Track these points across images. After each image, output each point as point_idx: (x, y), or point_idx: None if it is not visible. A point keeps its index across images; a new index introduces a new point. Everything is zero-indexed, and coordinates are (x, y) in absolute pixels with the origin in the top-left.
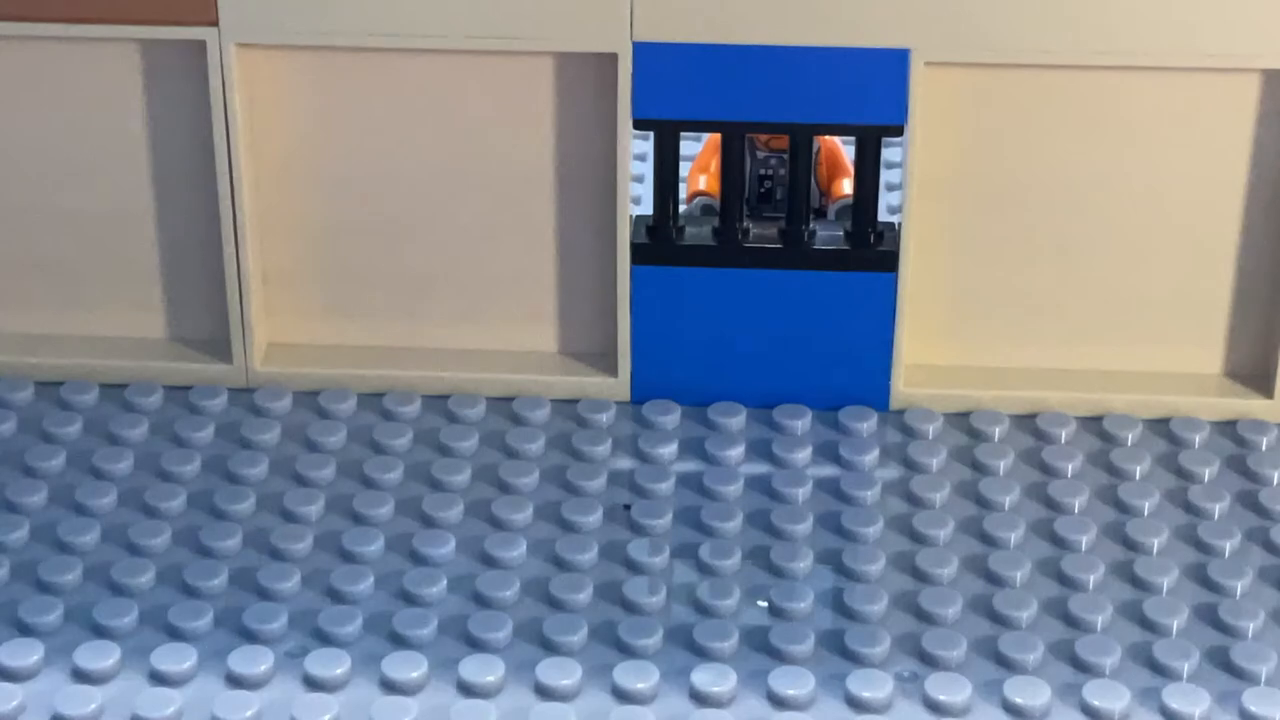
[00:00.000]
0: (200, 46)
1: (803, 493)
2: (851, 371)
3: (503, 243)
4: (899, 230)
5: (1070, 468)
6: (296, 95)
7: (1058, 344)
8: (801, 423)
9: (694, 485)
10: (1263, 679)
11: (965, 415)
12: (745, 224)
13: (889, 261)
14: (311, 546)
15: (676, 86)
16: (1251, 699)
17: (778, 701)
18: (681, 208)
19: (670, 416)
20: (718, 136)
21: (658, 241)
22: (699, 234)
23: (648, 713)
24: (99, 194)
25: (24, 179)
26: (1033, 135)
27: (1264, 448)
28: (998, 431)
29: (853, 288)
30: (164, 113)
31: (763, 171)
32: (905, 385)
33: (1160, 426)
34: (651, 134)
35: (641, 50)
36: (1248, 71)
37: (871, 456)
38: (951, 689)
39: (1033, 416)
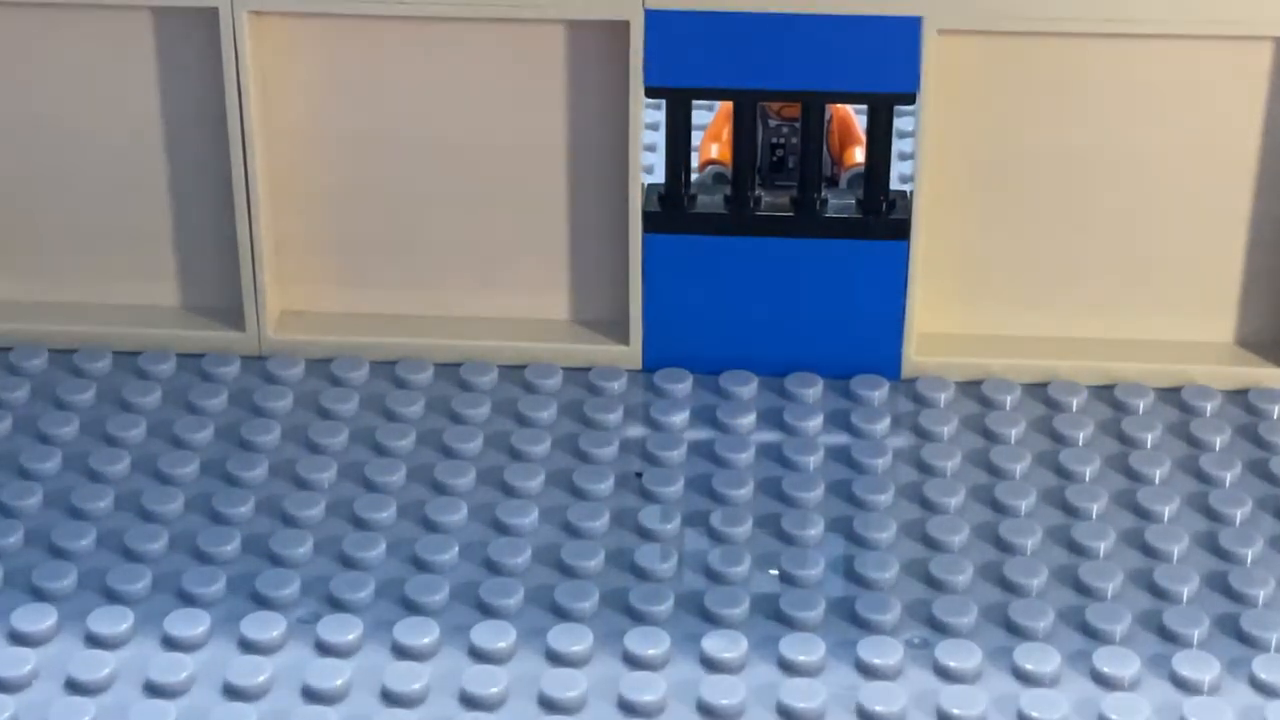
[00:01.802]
0: (213, 14)
1: (814, 460)
2: (863, 340)
3: (514, 210)
4: (911, 198)
5: (1081, 436)
6: (309, 63)
7: (1069, 312)
8: (813, 391)
9: (705, 453)
10: (1273, 646)
11: (977, 384)
12: (757, 192)
13: (901, 229)
14: (324, 513)
15: (688, 55)
16: (1261, 666)
17: (788, 668)
18: (694, 176)
19: (682, 385)
20: (730, 104)
21: (669, 210)
22: (711, 202)
23: (659, 678)
24: (112, 162)
25: (36, 147)
26: (1045, 103)
27: (1275, 416)
28: (1009, 400)
29: (864, 256)
30: (176, 81)
31: (775, 140)
32: (917, 354)
33: (1172, 395)
34: (663, 102)
35: (653, 18)
36: (1260, 39)
37: (883, 425)
38: (962, 656)
39: (1044, 385)
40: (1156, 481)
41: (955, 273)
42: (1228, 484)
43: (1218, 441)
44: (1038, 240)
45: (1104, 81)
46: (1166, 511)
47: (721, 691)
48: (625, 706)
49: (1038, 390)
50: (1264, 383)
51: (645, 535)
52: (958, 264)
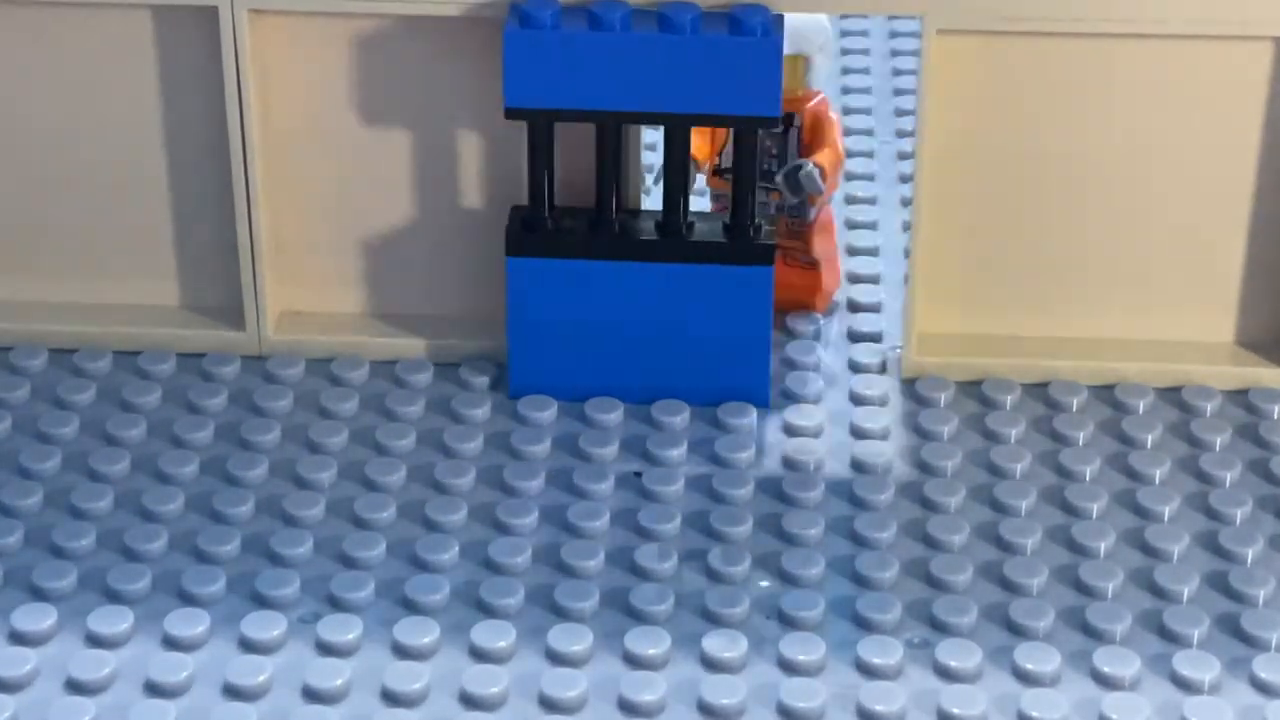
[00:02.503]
0: (212, 13)
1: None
2: (730, 367)
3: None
4: (774, 224)
5: (1082, 436)
6: (309, 62)
7: (1070, 312)
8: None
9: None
10: (1273, 646)
11: (977, 384)
12: (622, 215)
13: (766, 255)
14: (324, 513)
15: (550, 76)
16: (1262, 665)
17: (789, 667)
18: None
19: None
20: None
21: (532, 233)
22: (574, 225)
23: (659, 678)
24: (112, 161)
25: (37, 146)
26: (1044, 103)
27: (1276, 416)
28: (1009, 400)
29: (730, 282)
30: (176, 80)
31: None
32: (917, 354)
33: (1172, 395)
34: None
35: (513, 38)
36: (1260, 39)
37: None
38: (962, 655)
39: (1044, 385)
40: (1157, 481)
41: (955, 273)
42: (1228, 484)
43: (1218, 441)
44: (1038, 240)
45: (1104, 81)
46: (1167, 511)
47: (722, 691)
48: (625, 706)
49: (1038, 390)
50: (1264, 382)
51: (645, 535)
52: (958, 264)
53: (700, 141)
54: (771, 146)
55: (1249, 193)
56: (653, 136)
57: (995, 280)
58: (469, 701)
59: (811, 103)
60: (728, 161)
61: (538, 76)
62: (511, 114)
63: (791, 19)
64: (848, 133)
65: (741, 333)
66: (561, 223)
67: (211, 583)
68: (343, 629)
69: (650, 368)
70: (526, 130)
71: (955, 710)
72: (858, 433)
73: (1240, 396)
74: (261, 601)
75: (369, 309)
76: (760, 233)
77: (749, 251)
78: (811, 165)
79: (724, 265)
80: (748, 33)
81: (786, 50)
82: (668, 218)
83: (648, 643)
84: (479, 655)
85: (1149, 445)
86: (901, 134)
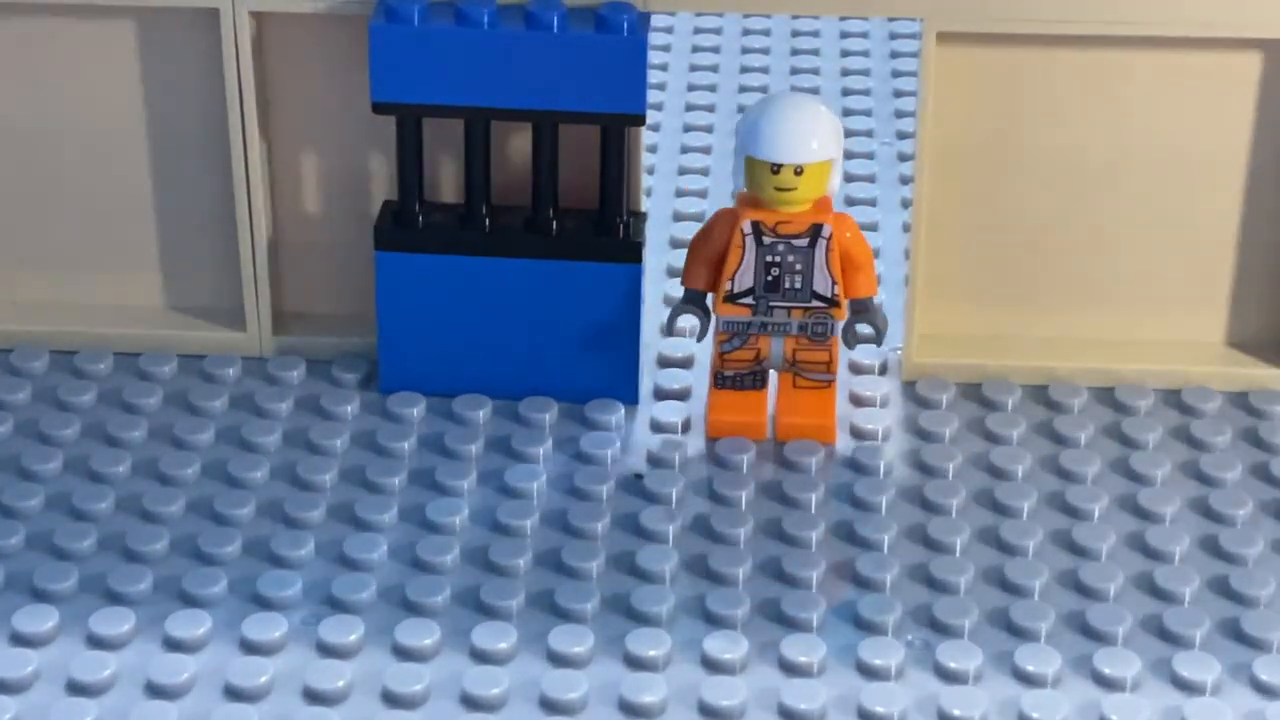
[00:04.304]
0: (213, 14)
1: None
2: (599, 364)
3: None
4: (644, 221)
5: (1082, 437)
6: (309, 62)
7: (1070, 314)
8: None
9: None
10: (1274, 648)
11: (977, 385)
12: (492, 210)
13: (635, 253)
14: (325, 514)
15: (417, 71)
16: (1263, 667)
17: (789, 669)
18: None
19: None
20: (725, 224)
21: (401, 227)
22: (444, 219)
23: (659, 680)
24: (112, 163)
25: (37, 148)
26: (1043, 107)
27: (1276, 417)
28: (1010, 401)
29: (598, 279)
30: (177, 82)
31: (770, 258)
32: (917, 355)
33: (1172, 396)
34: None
35: (378, 32)
36: (1253, 43)
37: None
38: (963, 657)
39: (1045, 386)
40: (1157, 483)
41: (955, 273)
42: (1229, 485)
43: (1218, 443)
44: (1037, 241)
45: (1101, 86)
46: (1168, 513)
47: (722, 693)
48: (626, 708)
49: (1038, 391)
50: (1264, 384)
51: (646, 536)
52: (958, 266)
53: (705, 271)
54: (795, 262)
55: (1249, 194)
56: (653, 138)
57: (995, 281)
58: (470, 703)
59: (831, 211)
60: (739, 286)
61: (404, 71)
62: (378, 108)
63: (833, 122)
64: (848, 134)
65: (611, 329)
66: (431, 217)
67: (212, 584)
68: (344, 630)
69: (519, 364)
70: (396, 125)
71: (956, 712)
72: (858, 434)
73: (1240, 398)
74: (262, 603)
75: (369, 310)
76: (629, 230)
77: (618, 248)
78: (868, 328)
79: (593, 262)
80: (614, 30)
81: (824, 155)
82: (537, 214)
83: (649, 644)
84: (480, 657)
85: (1149, 447)
86: (902, 135)
